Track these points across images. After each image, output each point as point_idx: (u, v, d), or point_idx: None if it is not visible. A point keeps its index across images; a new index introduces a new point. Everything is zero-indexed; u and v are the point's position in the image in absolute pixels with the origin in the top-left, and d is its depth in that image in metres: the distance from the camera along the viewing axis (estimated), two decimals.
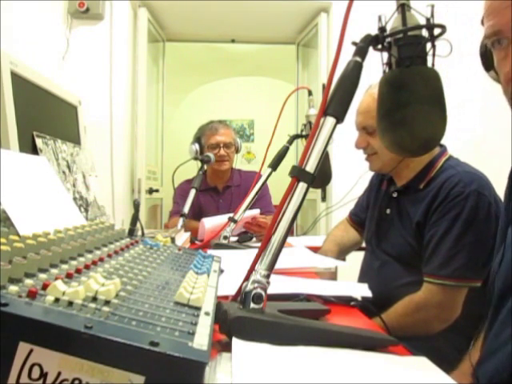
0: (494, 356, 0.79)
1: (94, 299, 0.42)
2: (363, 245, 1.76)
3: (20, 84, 1.11)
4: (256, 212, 2.02)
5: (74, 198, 1.26)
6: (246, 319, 0.59)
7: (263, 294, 0.62)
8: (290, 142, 1.69)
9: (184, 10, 3.36)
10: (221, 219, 1.71)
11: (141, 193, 3.15)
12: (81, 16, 2.95)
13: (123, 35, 3.06)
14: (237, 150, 2.50)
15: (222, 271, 0.86)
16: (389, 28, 0.68)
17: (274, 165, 1.66)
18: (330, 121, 0.67)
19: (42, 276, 0.45)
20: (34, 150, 1.13)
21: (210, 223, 1.82)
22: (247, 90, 5.20)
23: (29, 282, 0.43)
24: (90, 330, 0.35)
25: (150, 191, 3.34)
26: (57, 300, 0.40)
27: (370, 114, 1.39)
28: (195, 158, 2.22)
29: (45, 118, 1.31)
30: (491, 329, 0.83)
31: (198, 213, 2.32)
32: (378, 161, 1.46)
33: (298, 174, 0.67)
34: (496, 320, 0.82)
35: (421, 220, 1.34)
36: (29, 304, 0.38)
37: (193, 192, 1.93)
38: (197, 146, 2.34)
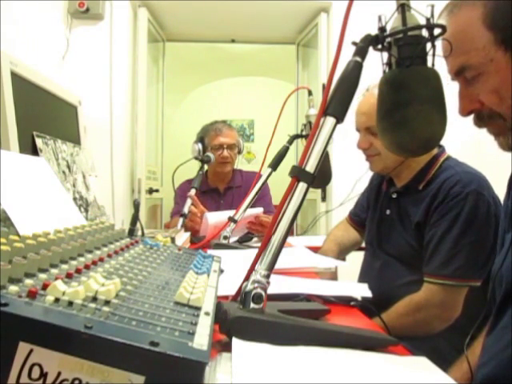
0: (494, 360, 0.79)
1: (94, 299, 0.42)
2: (363, 245, 1.76)
3: (20, 84, 1.11)
4: (259, 211, 2.00)
5: (74, 198, 1.26)
6: (246, 319, 0.59)
7: (263, 294, 0.62)
8: (290, 142, 1.69)
9: (184, 10, 3.36)
10: (224, 215, 1.68)
11: (141, 193, 3.15)
12: (81, 16, 2.95)
13: (123, 35, 3.06)
14: (239, 151, 2.48)
15: (222, 271, 0.86)
16: (389, 28, 0.68)
17: (274, 165, 1.65)
18: (330, 121, 0.67)
19: (42, 276, 0.45)
20: (34, 150, 1.13)
21: (214, 219, 1.78)
22: (247, 90, 5.20)
23: (29, 282, 0.43)
24: (89, 329, 0.35)
25: (150, 191, 3.34)
26: (57, 300, 0.40)
27: (374, 114, 1.38)
28: (195, 158, 2.21)
29: (45, 117, 1.31)
30: (492, 333, 0.83)
31: None
32: (380, 162, 1.45)
33: (298, 173, 0.66)
34: (497, 325, 0.82)
35: (421, 220, 1.34)
36: (29, 304, 0.38)
37: (193, 192, 1.93)
38: (199, 146, 2.32)
